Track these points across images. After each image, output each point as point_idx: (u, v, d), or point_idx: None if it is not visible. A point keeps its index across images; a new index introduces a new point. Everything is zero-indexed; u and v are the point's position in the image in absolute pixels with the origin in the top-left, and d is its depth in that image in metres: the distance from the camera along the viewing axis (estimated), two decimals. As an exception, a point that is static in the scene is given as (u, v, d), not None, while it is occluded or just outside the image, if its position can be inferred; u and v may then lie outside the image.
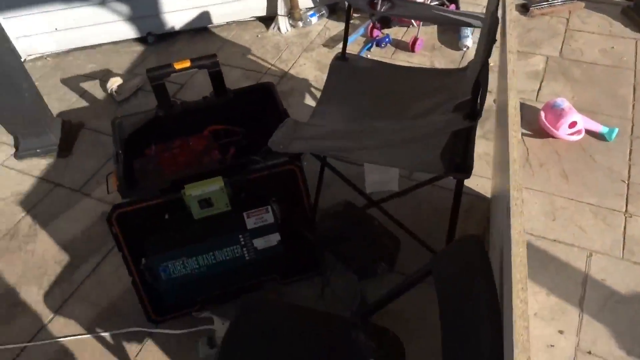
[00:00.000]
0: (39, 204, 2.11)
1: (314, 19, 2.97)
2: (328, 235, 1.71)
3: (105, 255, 1.92)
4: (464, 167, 1.56)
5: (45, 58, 2.86)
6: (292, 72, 2.69)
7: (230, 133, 1.97)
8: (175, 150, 1.90)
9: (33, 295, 1.82)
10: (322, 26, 2.97)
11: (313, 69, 2.69)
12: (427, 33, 2.82)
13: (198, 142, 1.92)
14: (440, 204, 2.01)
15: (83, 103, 2.57)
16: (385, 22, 2.86)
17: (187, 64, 1.79)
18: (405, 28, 2.89)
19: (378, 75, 1.93)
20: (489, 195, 2.04)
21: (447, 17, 1.86)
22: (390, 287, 1.82)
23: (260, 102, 2.00)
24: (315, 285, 1.80)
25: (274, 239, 1.66)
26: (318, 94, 2.56)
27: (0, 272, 1.89)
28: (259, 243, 1.65)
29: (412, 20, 2.82)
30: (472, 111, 1.35)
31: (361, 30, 2.86)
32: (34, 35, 2.78)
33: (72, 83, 2.69)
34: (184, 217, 1.59)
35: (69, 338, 1.70)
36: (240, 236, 1.62)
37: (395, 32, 2.85)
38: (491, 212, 1.95)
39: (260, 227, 1.63)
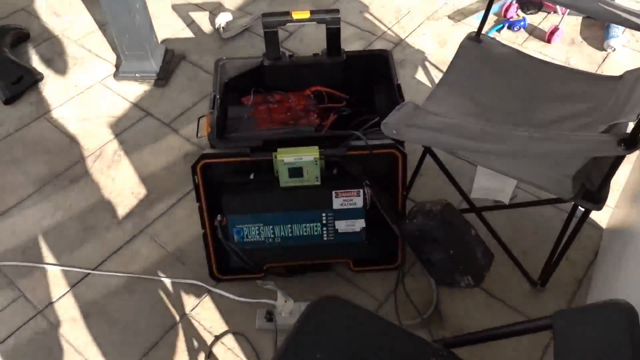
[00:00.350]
0: (128, 130, 2.07)
1: (444, -14, 2.70)
2: (416, 233, 1.54)
3: (180, 198, 1.85)
4: (598, 196, 1.32)
5: (161, -20, 2.78)
6: (408, 40, 2.46)
7: (334, 98, 1.81)
8: (272, 105, 1.77)
9: (105, 223, 1.79)
10: (452, -5, 2.69)
11: (433, 41, 2.45)
12: (568, 24, 2.49)
13: (298, 101, 1.78)
14: (543, 223, 1.78)
15: (188, 33, 2.49)
16: (529, 4, 2.54)
17: (307, 15, 1.63)
18: (545, 13, 2.56)
19: (513, 66, 1.68)
20: (603, 225, 1.78)
21: (611, 13, 1.56)
22: (469, 301, 1.68)
23: (372, 71, 1.82)
24: (388, 280, 1.65)
25: (358, 225, 1.51)
26: (433, 71, 2.34)
27: (80, 192, 1.88)
28: (341, 226, 1.51)
29: (558, 7, 2.48)
30: (633, 139, 1.11)
31: (495, 7, 2.56)
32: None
33: (182, 11, 2.61)
34: (269, 181, 1.47)
35: (129, 275, 1.66)
36: (323, 215, 1.49)
37: (532, 17, 2.54)
38: (603, 247, 1.70)
39: (347, 210, 1.49)
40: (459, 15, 2.59)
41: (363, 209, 1.49)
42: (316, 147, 1.44)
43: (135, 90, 2.22)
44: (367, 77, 1.84)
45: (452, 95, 1.60)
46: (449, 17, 2.58)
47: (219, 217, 1.49)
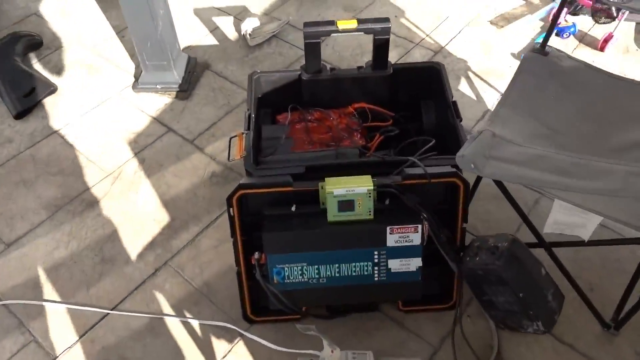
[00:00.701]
0: (149, 147, 1.89)
1: (485, -11, 2.51)
2: (479, 272, 1.35)
3: (207, 225, 1.68)
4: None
5: (181, -18, 2.61)
6: (449, 48, 2.28)
7: (379, 116, 1.62)
8: (311, 124, 1.59)
9: (125, 255, 1.61)
10: (492, -1, 2.50)
11: (476, 49, 2.26)
12: (619, 30, 2.29)
13: (340, 119, 1.60)
14: (610, 254, 1.59)
15: (212, 40, 2.32)
16: (600, 13, 2.32)
17: (353, 24, 1.45)
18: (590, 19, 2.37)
19: (583, 82, 1.49)
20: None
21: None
22: (534, 346, 1.49)
23: (421, 85, 1.63)
24: (442, 322, 1.47)
25: (414, 264, 1.33)
26: (477, 81, 2.15)
27: (97, 218, 1.70)
28: (395, 265, 1.33)
29: (615, 11, 2.28)
30: None
31: (542, 12, 2.37)
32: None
33: (205, 15, 2.43)
34: (315, 215, 1.29)
35: (153, 316, 1.48)
36: (375, 253, 1.30)
37: (582, 22, 2.34)
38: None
39: (402, 248, 1.30)
40: (502, 20, 2.39)
41: (420, 247, 1.31)
42: (369, 177, 1.26)
43: (155, 103, 2.05)
44: (415, 92, 1.66)
45: (517, 115, 1.42)
46: (491, 22, 2.39)
47: (256, 255, 1.31)
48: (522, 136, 1.35)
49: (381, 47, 1.53)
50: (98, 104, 2.05)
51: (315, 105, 1.62)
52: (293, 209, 1.31)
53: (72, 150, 1.89)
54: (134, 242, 1.64)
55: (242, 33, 2.29)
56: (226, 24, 2.39)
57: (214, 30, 2.36)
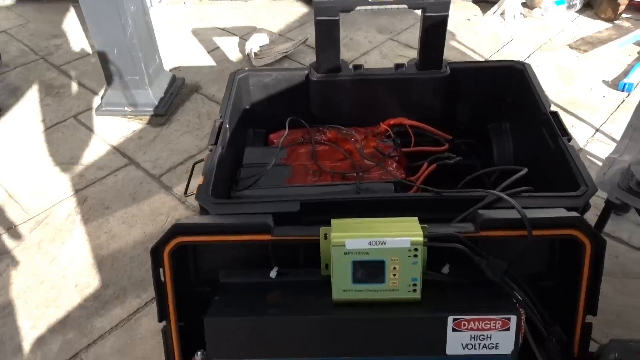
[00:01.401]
0: (97, 184, 1.35)
1: (560, 10, 1.99)
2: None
3: (153, 297, 1.08)
4: None
5: (184, 3, 2.19)
6: (516, 76, 1.72)
7: (427, 137, 1.05)
8: (322, 147, 1.02)
9: (17, 339, 1.02)
10: (570, 21, 1.98)
11: (553, 76, 1.71)
12: None
13: (366, 141, 1.03)
14: None
15: (209, 61, 1.83)
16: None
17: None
18: None
19: None
20: None
21: None
22: None
23: (494, 97, 1.06)
24: None
25: (501, 391, 0.69)
26: (562, 115, 1.58)
27: (-4, 278, 1.14)
28: (463, 392, 0.69)
29: None
30: None
31: (638, 34, 1.82)
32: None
33: (205, 35, 1.97)
34: (312, 287, 0.69)
35: None
36: (426, 367, 0.68)
37: (692, 50, 1.78)
38: None
39: (478, 358, 0.68)
40: (585, 44, 1.85)
41: (514, 355, 0.68)
42: (415, 220, 0.67)
43: (121, 128, 1.54)
44: (483, 106, 1.09)
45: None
46: (571, 47, 1.84)
47: (198, 357, 0.71)
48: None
49: (434, 33, 0.98)
50: (45, 129, 1.55)
51: (329, 121, 1.05)
52: (273, 274, 0.72)
53: (-7, 186, 1.37)
54: (36, 318, 1.05)
55: (246, 52, 1.80)
56: (229, 45, 1.91)
57: (213, 50, 1.88)
